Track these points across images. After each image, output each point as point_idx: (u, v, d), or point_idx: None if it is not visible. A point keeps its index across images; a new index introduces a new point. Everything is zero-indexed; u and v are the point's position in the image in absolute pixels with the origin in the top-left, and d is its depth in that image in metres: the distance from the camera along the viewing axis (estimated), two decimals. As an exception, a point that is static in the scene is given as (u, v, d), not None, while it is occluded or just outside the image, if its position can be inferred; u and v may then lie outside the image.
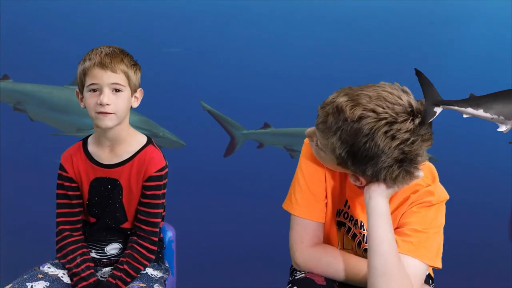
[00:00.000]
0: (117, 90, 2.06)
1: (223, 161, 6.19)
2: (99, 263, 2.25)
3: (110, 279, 2.13)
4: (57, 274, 2.11)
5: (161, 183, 2.16)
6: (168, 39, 7.37)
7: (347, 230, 2.07)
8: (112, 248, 2.23)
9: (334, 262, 1.97)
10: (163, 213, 2.31)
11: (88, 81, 2.06)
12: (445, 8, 7.46)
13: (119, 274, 2.14)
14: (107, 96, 2.04)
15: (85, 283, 2.09)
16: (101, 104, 2.03)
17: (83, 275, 2.11)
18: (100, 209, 2.19)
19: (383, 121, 1.75)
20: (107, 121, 2.06)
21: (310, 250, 1.99)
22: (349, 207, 2.05)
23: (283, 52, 7.54)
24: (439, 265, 1.97)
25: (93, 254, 2.22)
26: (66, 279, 2.13)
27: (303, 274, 1.98)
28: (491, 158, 7.24)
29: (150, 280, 2.17)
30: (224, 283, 6.13)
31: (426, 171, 1.97)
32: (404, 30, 7.30)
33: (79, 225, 2.21)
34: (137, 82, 2.14)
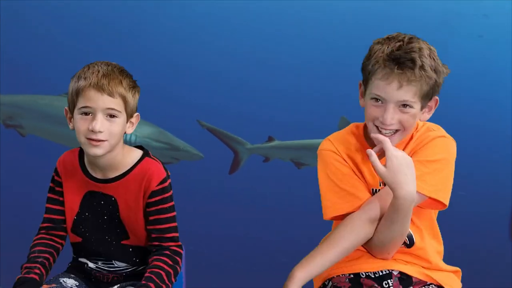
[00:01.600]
0: (112, 116, 1.87)
1: (227, 168, 6.11)
2: (104, 279, 2.07)
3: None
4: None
5: (167, 195, 1.96)
6: (167, 50, 7.33)
7: None
8: (120, 263, 2.05)
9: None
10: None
11: (81, 103, 1.86)
12: (443, 8, 7.46)
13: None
14: (100, 122, 1.85)
15: (26, 271, 1.94)
16: (92, 131, 1.85)
17: (30, 265, 1.96)
18: (90, 227, 2.01)
19: (417, 38, 1.91)
20: (97, 150, 1.88)
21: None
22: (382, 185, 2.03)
23: (284, 63, 7.52)
24: (441, 198, 1.92)
25: (100, 265, 2.05)
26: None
27: (331, 284, 1.99)
28: (491, 158, 7.24)
29: None
30: (224, 284, 6.13)
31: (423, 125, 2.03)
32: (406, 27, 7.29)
33: (64, 233, 2.06)
34: (134, 107, 1.94)
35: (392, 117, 1.86)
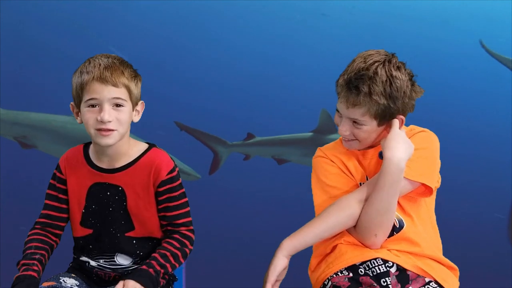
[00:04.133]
0: (118, 105, 1.92)
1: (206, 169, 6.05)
2: (105, 278, 2.08)
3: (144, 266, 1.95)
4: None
5: (176, 184, 2.02)
6: (144, 49, 7.32)
7: None
8: (123, 259, 2.06)
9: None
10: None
11: (86, 96, 1.91)
12: (442, 8, 7.47)
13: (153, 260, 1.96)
14: (108, 112, 1.90)
15: (25, 268, 1.95)
16: (101, 121, 1.90)
17: (28, 262, 1.97)
18: (98, 218, 2.03)
19: (384, 61, 2.00)
20: (108, 140, 1.93)
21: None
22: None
23: (262, 56, 7.50)
24: (426, 181, 2.03)
25: (102, 263, 2.06)
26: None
27: (331, 283, 2.02)
28: (491, 158, 7.25)
29: None
30: (225, 284, 6.13)
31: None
32: (396, 31, 7.31)
33: (60, 232, 2.08)
34: (138, 95, 2.00)
35: (345, 129, 2.06)
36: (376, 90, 1.96)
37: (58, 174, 2.06)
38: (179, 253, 2.00)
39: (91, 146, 2.05)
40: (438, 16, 7.47)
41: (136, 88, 1.98)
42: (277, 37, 7.53)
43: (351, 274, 2.01)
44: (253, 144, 6.01)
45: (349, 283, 1.98)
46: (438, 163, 2.10)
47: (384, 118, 2.02)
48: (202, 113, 6.61)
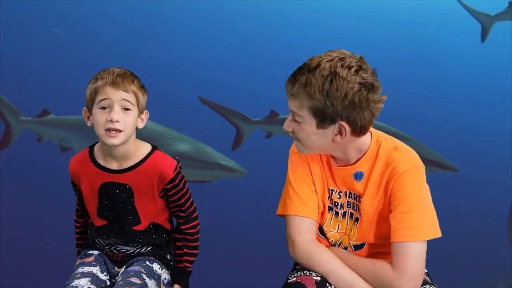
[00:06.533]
0: (126, 109, 2.17)
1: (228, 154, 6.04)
2: (113, 257, 2.36)
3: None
4: (92, 271, 2.26)
5: (180, 176, 2.28)
6: (168, 31, 7.38)
7: (335, 214, 2.14)
8: (127, 246, 2.36)
9: (323, 263, 2.05)
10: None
11: (99, 98, 2.15)
12: (443, 8, 7.48)
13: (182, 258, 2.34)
14: (117, 113, 2.14)
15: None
16: (111, 121, 2.13)
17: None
18: (111, 212, 2.30)
19: (336, 58, 1.86)
20: (114, 140, 2.16)
21: (306, 243, 2.07)
22: (333, 192, 2.12)
23: (285, 36, 7.51)
24: (439, 234, 1.97)
25: (111, 248, 2.36)
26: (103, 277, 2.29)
27: (295, 278, 2.02)
28: (491, 158, 7.25)
29: (150, 272, 2.28)
30: (226, 283, 6.13)
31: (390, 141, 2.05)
32: (405, 29, 7.32)
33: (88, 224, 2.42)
34: (144, 104, 2.24)
35: (288, 124, 1.99)
36: (313, 83, 1.86)
37: (72, 179, 2.33)
38: (195, 244, 2.36)
39: (97, 149, 2.30)
40: (437, 18, 7.49)
41: (143, 98, 2.22)
42: (302, 19, 7.56)
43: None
44: (277, 122, 5.81)
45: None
46: (430, 200, 2.01)
47: (323, 120, 1.90)
48: (226, 90, 6.60)
